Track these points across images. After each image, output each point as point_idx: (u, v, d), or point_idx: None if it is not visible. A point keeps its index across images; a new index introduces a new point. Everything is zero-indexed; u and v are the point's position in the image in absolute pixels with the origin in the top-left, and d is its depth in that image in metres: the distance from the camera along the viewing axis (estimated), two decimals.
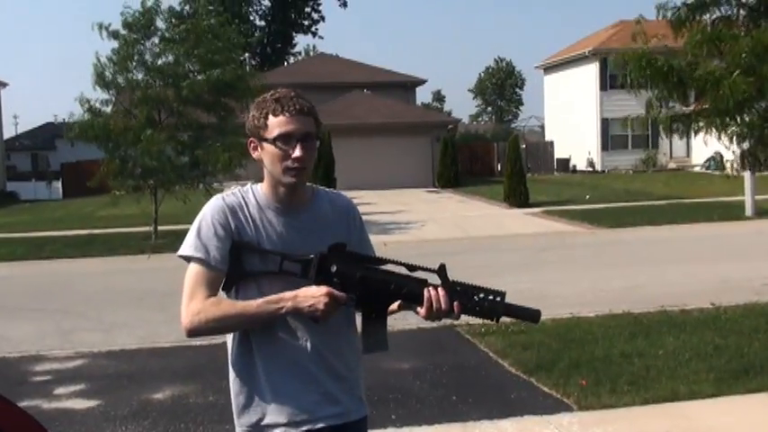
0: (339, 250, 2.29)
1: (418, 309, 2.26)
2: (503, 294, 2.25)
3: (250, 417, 2.33)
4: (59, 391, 6.61)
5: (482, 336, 7.80)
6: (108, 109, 18.38)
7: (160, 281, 12.11)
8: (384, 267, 2.34)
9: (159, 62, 18.04)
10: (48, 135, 51.15)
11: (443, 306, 2.22)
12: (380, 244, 14.23)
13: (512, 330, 7.92)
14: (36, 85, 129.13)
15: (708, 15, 7.72)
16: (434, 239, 16.27)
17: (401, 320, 8.60)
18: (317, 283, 2.24)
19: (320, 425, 2.33)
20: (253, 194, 2.37)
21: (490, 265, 12.11)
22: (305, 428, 2.31)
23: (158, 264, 13.53)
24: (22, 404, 6.12)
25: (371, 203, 25.35)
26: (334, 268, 2.27)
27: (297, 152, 2.27)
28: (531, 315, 2.29)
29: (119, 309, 10.41)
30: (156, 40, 17.99)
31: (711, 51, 7.13)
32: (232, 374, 2.38)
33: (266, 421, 2.31)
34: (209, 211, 2.32)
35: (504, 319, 7.10)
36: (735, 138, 7.71)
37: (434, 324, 8.55)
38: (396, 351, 7.40)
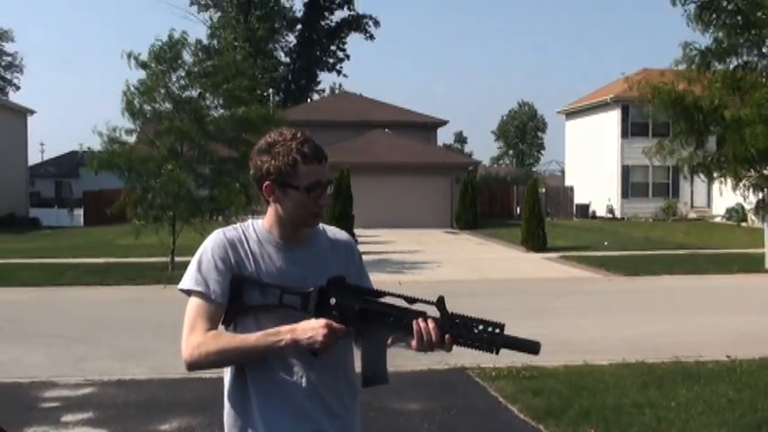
0: (338, 283, 2.31)
1: (411, 341, 2.28)
2: (502, 326, 2.25)
3: None
4: (67, 418, 6.63)
5: (492, 379, 7.76)
6: (131, 139, 18.68)
7: (174, 312, 12.09)
8: (383, 300, 2.36)
9: (184, 95, 18.32)
10: (72, 163, 51.91)
11: (434, 338, 2.23)
12: (395, 283, 14.22)
13: (523, 375, 7.87)
14: (62, 113, 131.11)
15: (729, 62, 7.75)
16: (449, 280, 16.23)
17: (413, 360, 8.60)
18: (317, 316, 2.26)
19: None
20: (253, 229, 2.42)
21: (505, 308, 12.04)
22: None
23: (173, 295, 13.55)
24: (30, 430, 6.14)
25: (388, 242, 25.39)
26: (333, 301, 2.29)
27: (324, 200, 2.36)
28: (530, 347, 2.28)
29: (132, 338, 10.46)
30: (183, 72, 18.30)
31: (731, 97, 7.16)
32: (226, 407, 2.40)
33: None
34: (210, 246, 2.36)
35: (517, 364, 7.07)
36: (752, 188, 7.72)
37: (445, 366, 8.56)
38: (405, 391, 7.41)
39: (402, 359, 8.52)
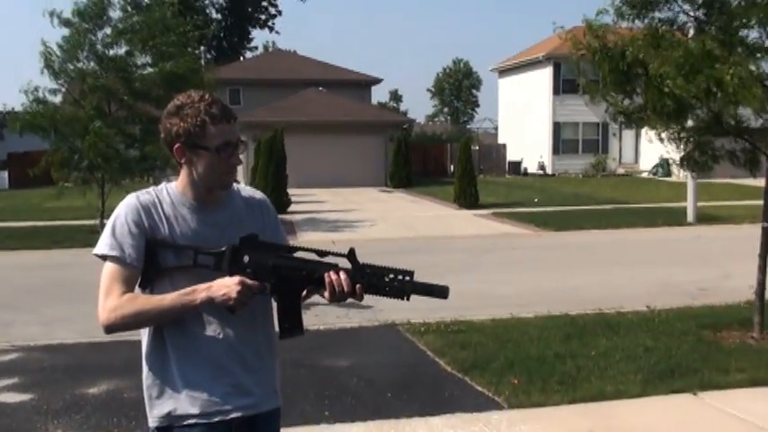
0: (251, 241, 2.37)
1: (324, 292, 2.35)
2: (411, 274, 2.34)
3: (162, 408, 2.40)
4: None
5: (421, 334, 7.92)
6: (56, 99, 18.15)
7: None
8: (296, 255, 2.42)
9: (111, 53, 17.82)
10: None
11: (345, 288, 2.31)
12: (328, 242, 14.27)
13: (451, 330, 8.07)
14: None
15: (654, 15, 7.82)
16: (383, 238, 16.36)
17: (343, 319, 8.72)
18: (231, 274, 2.31)
19: (232, 415, 2.39)
20: (167, 192, 2.44)
21: (437, 264, 12.20)
22: (216, 419, 2.37)
23: None
24: None
25: (322, 201, 25.39)
26: (246, 258, 2.34)
27: (235, 160, 2.39)
28: (439, 291, 2.38)
29: (60, 303, 10.30)
30: (109, 30, 17.77)
31: (653, 52, 7.26)
32: (145, 368, 2.44)
33: (178, 412, 2.37)
34: (124, 210, 2.38)
35: (446, 319, 7.22)
36: (674, 141, 7.93)
37: (376, 323, 8.68)
38: (335, 348, 7.52)
39: (332, 317, 8.64)
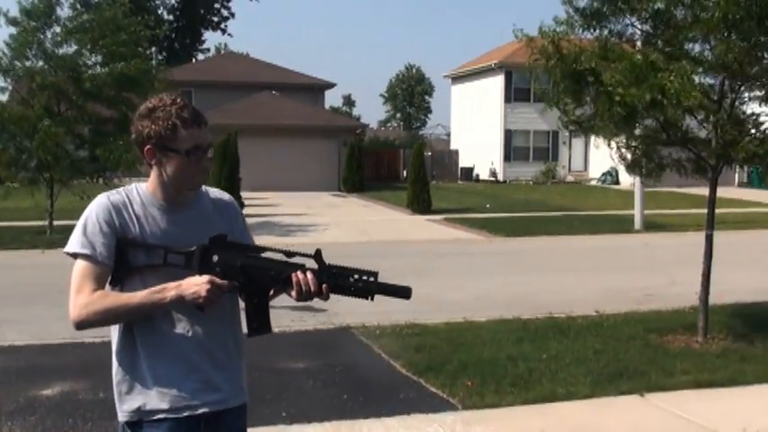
0: (220, 241, 2.43)
1: (291, 292, 2.42)
2: (375, 274, 2.43)
3: (132, 403, 2.44)
4: None
5: (377, 337, 8.01)
6: (3, 97, 17.85)
7: (54, 277, 11.75)
8: (264, 255, 2.49)
9: (60, 52, 17.57)
10: None
11: (312, 288, 2.39)
12: (282, 246, 14.25)
13: (405, 333, 8.17)
14: None
15: (602, 28, 8.03)
16: (336, 243, 16.40)
17: (298, 322, 8.76)
18: (200, 273, 2.37)
19: (200, 411, 2.45)
20: (137, 192, 2.49)
21: (390, 269, 12.20)
22: (185, 414, 2.43)
23: (53, 259, 13.16)
24: None
25: (276, 205, 25.33)
26: (215, 258, 2.41)
27: (205, 163, 2.45)
28: (402, 292, 2.48)
29: (9, 305, 10.12)
30: (58, 29, 17.53)
31: (601, 63, 7.47)
32: (115, 364, 2.48)
33: (148, 407, 2.42)
34: (95, 209, 2.42)
35: (400, 322, 7.32)
36: (623, 149, 8.15)
37: (330, 326, 8.74)
38: (291, 351, 7.56)
39: (287, 320, 8.67)
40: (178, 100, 2.42)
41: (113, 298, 2.36)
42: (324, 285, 2.41)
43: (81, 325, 2.36)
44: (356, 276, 2.44)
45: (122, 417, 2.46)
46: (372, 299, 2.45)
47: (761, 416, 5.55)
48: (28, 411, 5.74)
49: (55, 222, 16.71)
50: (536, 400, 5.96)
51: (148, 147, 2.41)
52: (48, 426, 5.47)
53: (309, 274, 2.41)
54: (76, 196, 16.32)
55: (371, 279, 2.43)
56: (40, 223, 17.30)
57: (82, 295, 2.33)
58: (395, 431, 5.35)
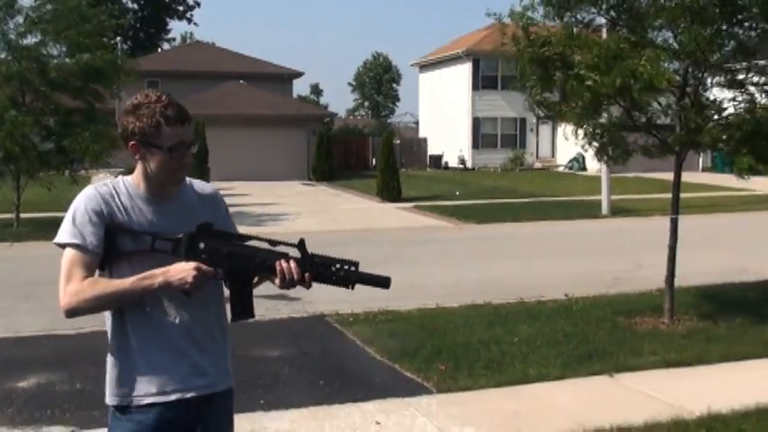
0: (206, 229, 2.51)
1: (275, 280, 2.50)
2: (356, 264, 2.52)
3: (123, 388, 2.51)
4: None
5: (350, 324, 8.10)
6: None
7: (23, 270, 11.74)
8: (249, 243, 2.57)
9: (24, 42, 17.32)
10: None
11: (295, 276, 2.48)
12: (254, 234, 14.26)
13: (379, 320, 8.26)
14: None
15: (569, 15, 8.15)
16: (307, 231, 16.42)
17: (272, 310, 8.81)
18: (187, 260, 2.44)
19: (189, 395, 2.53)
20: (123, 185, 2.56)
21: (361, 257, 12.16)
22: (174, 398, 2.50)
23: (20, 252, 13.10)
24: None
25: (245, 195, 25.24)
26: (201, 245, 2.48)
27: (188, 159, 2.52)
28: (381, 281, 2.58)
29: None
30: (21, 19, 17.28)
31: (569, 52, 7.59)
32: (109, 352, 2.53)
33: (137, 392, 2.49)
34: (83, 200, 2.48)
35: (373, 309, 7.41)
36: (589, 136, 8.29)
37: (305, 314, 8.79)
38: (266, 339, 7.62)
39: (262, 309, 8.71)
40: (163, 97, 2.48)
41: (103, 285, 2.42)
42: (306, 274, 2.49)
43: (72, 312, 2.41)
44: (338, 266, 2.52)
45: (111, 401, 2.53)
46: (353, 288, 2.53)
47: (726, 393, 5.72)
48: (5, 403, 5.75)
49: (22, 215, 16.52)
50: (509, 382, 6.10)
51: (133, 142, 2.48)
52: (25, 417, 5.48)
53: (293, 263, 2.48)
54: (43, 188, 16.17)
55: (352, 269, 2.51)
56: (8, 216, 17.09)
57: (72, 283, 2.39)
58: (371, 415, 5.44)
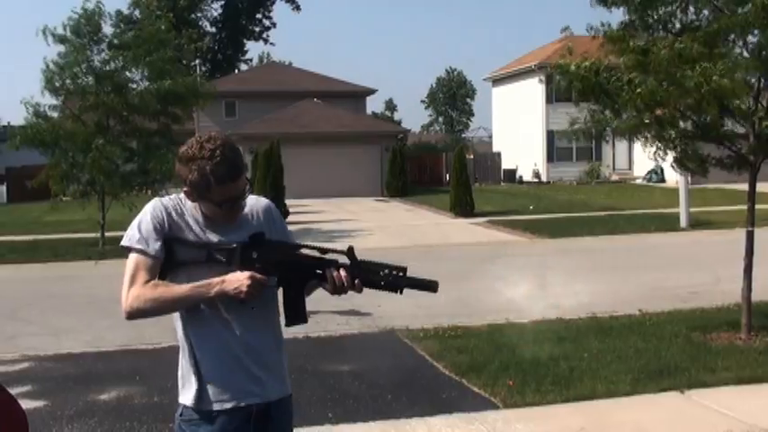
0: (259, 239, 2.63)
1: (326, 286, 2.61)
2: (405, 269, 2.60)
3: (185, 396, 2.66)
4: None
5: (420, 339, 8.15)
6: (55, 114, 18.38)
7: (106, 287, 12.17)
8: (301, 252, 2.69)
9: (108, 68, 18.05)
10: None
11: (346, 283, 2.58)
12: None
13: (448, 335, 8.30)
14: None
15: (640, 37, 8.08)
16: (380, 247, 16.58)
17: (344, 325, 8.95)
18: (241, 269, 2.56)
19: (245, 403, 2.64)
20: (186, 202, 2.69)
21: (433, 272, 12.33)
22: (230, 405, 2.62)
23: (105, 270, 13.59)
24: None
25: (319, 212, 25.62)
26: (255, 255, 2.60)
27: (237, 208, 2.64)
28: (430, 286, 2.63)
29: (64, 314, 10.51)
30: (104, 46, 18.02)
31: (640, 64, 7.51)
32: (180, 359, 2.71)
33: (198, 398, 2.63)
34: (150, 209, 2.65)
35: (443, 324, 7.48)
36: (662, 146, 8.16)
37: (375, 329, 8.90)
38: (336, 354, 7.76)
39: (333, 324, 8.87)
40: (217, 153, 2.51)
41: (162, 289, 2.55)
42: (356, 280, 2.59)
43: (132, 314, 2.56)
44: (386, 271, 2.60)
45: (180, 408, 2.69)
46: (401, 293, 2.62)
47: None
48: (87, 415, 6.01)
49: (107, 234, 17.18)
50: (576, 398, 6.05)
51: (186, 189, 2.61)
52: (106, 429, 5.72)
53: (343, 271, 2.59)
54: (126, 208, 16.79)
55: (401, 274, 2.59)
56: (93, 235, 17.80)
57: (134, 287, 2.55)
58: (438, 430, 5.48)
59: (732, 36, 7.48)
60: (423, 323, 8.68)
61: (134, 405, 6.27)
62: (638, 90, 6.98)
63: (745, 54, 7.47)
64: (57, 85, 17.38)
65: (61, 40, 17.51)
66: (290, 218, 22.25)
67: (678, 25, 7.83)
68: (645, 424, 5.50)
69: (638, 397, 6.05)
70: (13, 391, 6.43)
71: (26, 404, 6.35)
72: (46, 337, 9.15)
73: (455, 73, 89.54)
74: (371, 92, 42.35)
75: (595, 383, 6.35)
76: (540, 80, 38.18)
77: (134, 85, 18.38)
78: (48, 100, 17.98)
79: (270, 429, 2.71)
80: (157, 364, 7.35)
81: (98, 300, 11.08)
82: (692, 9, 7.72)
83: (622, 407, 5.86)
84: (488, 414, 5.77)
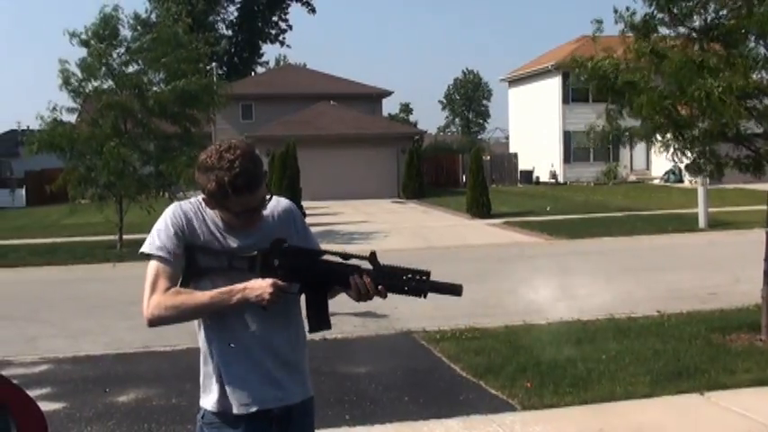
0: (280, 245, 2.61)
1: (350, 293, 2.60)
2: (428, 274, 2.58)
3: (207, 400, 2.66)
4: None
5: (437, 341, 8.14)
6: (72, 118, 18.54)
7: (124, 289, 12.26)
8: (323, 258, 2.67)
9: (125, 71, 18.17)
10: (11, 142, 50.57)
11: (369, 289, 2.56)
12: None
13: (465, 337, 8.28)
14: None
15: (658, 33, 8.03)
16: (396, 249, 16.57)
17: (360, 327, 8.96)
18: (263, 276, 2.56)
19: (267, 407, 2.64)
20: (205, 207, 2.68)
21: (450, 274, 12.28)
22: (253, 409, 2.62)
23: (123, 272, 13.68)
24: None
25: (336, 213, 25.65)
26: (276, 262, 2.59)
27: (256, 217, 2.63)
28: (454, 290, 2.61)
29: (83, 316, 10.58)
30: (123, 49, 18.15)
31: (651, 64, 7.47)
32: (201, 362, 2.71)
33: (219, 403, 2.63)
34: (170, 215, 2.64)
35: (460, 326, 7.45)
36: (680, 150, 8.10)
37: (392, 331, 8.90)
38: (353, 356, 7.76)
39: (350, 326, 8.88)
40: (236, 163, 2.48)
41: (184, 296, 2.55)
42: (380, 286, 2.57)
43: (153, 321, 2.56)
44: (409, 276, 2.58)
45: (201, 410, 2.69)
46: (425, 297, 2.59)
47: None
48: (105, 417, 6.05)
49: (124, 236, 17.27)
50: (595, 399, 6.01)
51: (205, 197, 2.60)
52: (124, 430, 5.76)
53: (366, 277, 2.57)
54: (144, 211, 16.89)
55: (424, 278, 2.57)
56: (111, 238, 17.91)
57: (156, 294, 2.54)
58: None
59: (752, 36, 7.42)
60: (440, 325, 8.67)
61: (152, 407, 6.29)
62: (642, 96, 6.94)
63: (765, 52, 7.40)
64: (74, 86, 17.50)
65: (85, 43, 17.67)
66: (308, 220, 22.01)
67: (697, 23, 7.76)
68: (664, 426, 5.46)
69: (657, 399, 6.00)
70: (33, 393, 6.48)
71: (45, 406, 6.39)
72: (65, 339, 9.22)
73: (471, 74, 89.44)
74: (387, 94, 42.38)
75: (614, 385, 6.31)
76: (555, 70, 38.07)
77: (154, 88, 18.48)
78: (65, 101, 18.14)
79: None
80: (176, 366, 7.39)
81: (116, 302, 11.15)
82: (711, 6, 7.65)
83: (641, 409, 5.81)
84: (506, 416, 5.75)
